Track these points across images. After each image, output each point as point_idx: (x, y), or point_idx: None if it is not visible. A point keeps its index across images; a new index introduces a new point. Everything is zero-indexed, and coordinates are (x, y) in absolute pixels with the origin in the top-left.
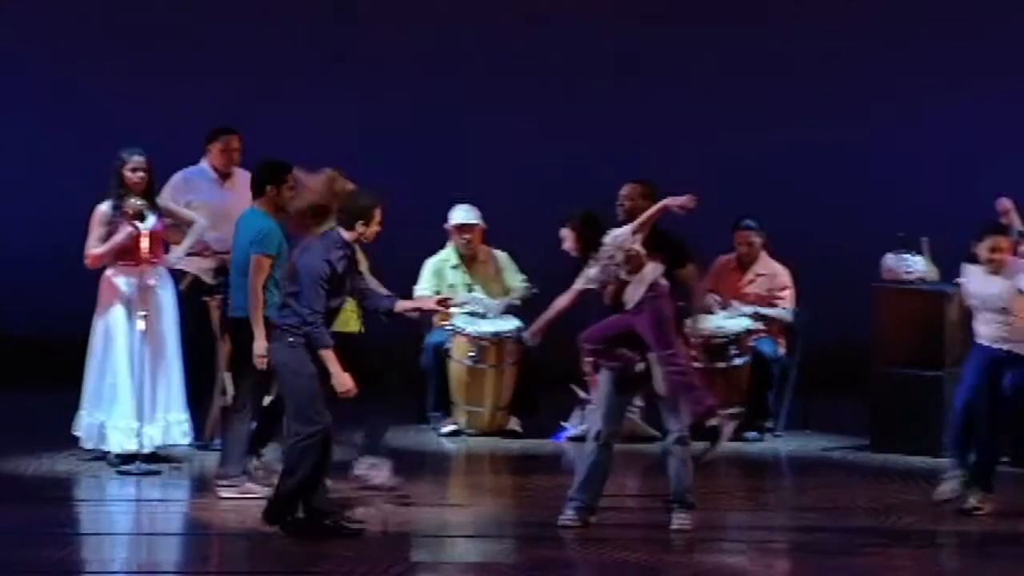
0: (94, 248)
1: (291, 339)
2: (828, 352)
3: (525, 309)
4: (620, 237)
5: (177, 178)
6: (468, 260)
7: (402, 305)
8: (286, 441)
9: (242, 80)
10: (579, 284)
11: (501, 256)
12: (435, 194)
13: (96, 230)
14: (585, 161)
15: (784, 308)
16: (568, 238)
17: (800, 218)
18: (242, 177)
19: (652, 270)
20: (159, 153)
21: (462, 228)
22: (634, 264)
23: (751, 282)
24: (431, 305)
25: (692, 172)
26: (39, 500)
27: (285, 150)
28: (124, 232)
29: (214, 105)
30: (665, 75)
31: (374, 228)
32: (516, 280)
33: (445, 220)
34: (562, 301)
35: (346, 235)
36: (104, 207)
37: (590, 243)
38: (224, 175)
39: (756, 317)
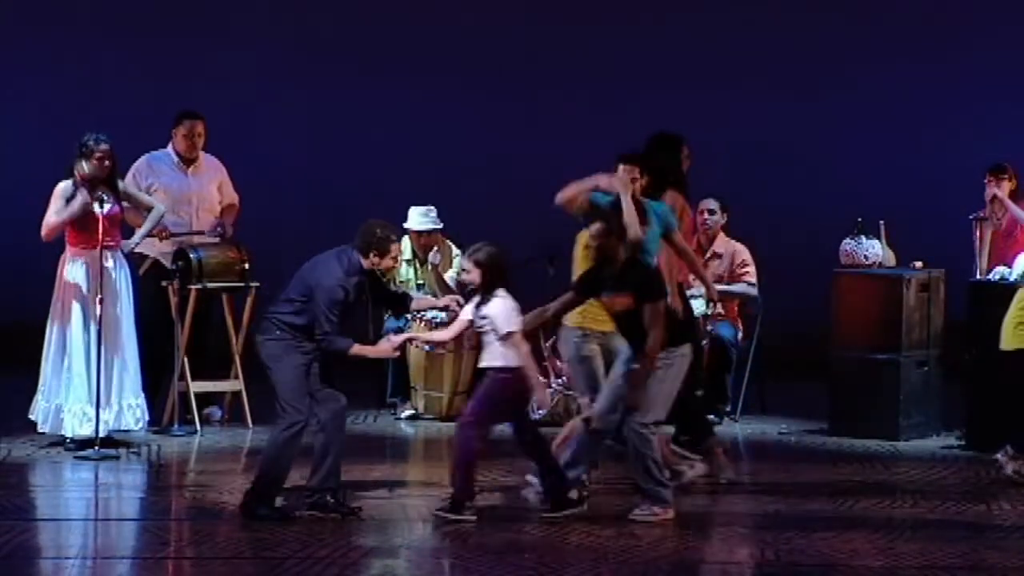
0: (51, 220)
1: (279, 333)
2: (787, 336)
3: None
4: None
5: (141, 161)
6: (422, 259)
7: (358, 350)
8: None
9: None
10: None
11: (455, 251)
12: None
13: (55, 203)
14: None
15: (749, 283)
16: (472, 272)
17: (761, 202)
18: (207, 162)
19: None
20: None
21: (419, 234)
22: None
23: (708, 262)
24: (389, 353)
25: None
26: None
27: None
28: (79, 200)
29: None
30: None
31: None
32: (451, 276)
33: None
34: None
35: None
36: (64, 184)
37: (492, 285)
38: (188, 160)
39: (721, 295)
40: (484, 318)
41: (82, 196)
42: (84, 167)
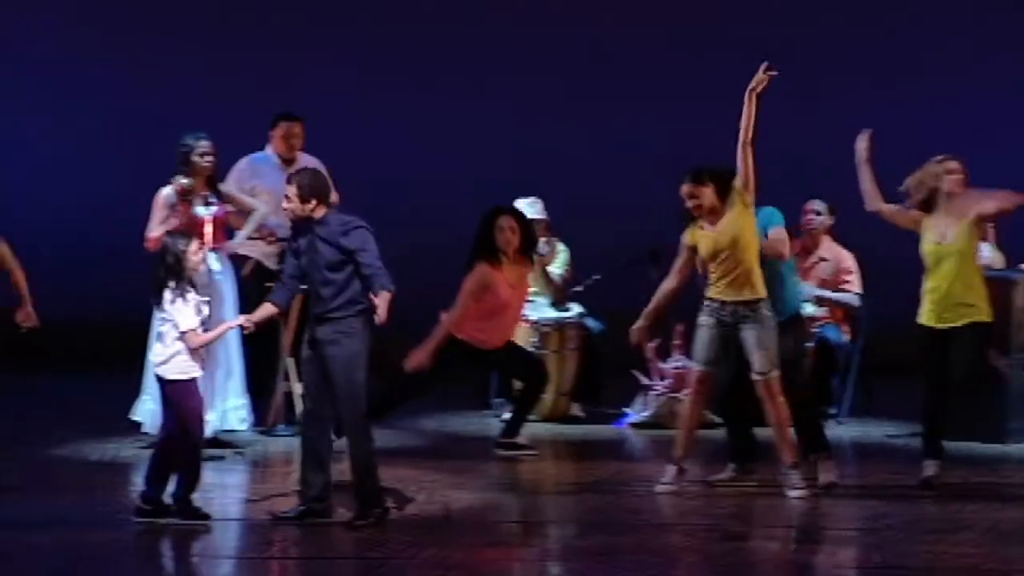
0: (155, 231)
1: (353, 323)
2: (893, 338)
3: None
4: None
5: (243, 163)
6: None
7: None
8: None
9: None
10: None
11: (560, 247)
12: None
13: (158, 213)
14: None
15: (850, 293)
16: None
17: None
18: (306, 163)
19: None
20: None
21: None
22: None
23: (814, 266)
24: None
25: (761, 157)
26: (103, 485)
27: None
28: (177, 216)
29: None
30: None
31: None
32: (554, 271)
33: None
34: None
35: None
36: (167, 191)
37: None
38: (287, 161)
39: (820, 301)
40: None
41: (179, 215)
42: (182, 180)
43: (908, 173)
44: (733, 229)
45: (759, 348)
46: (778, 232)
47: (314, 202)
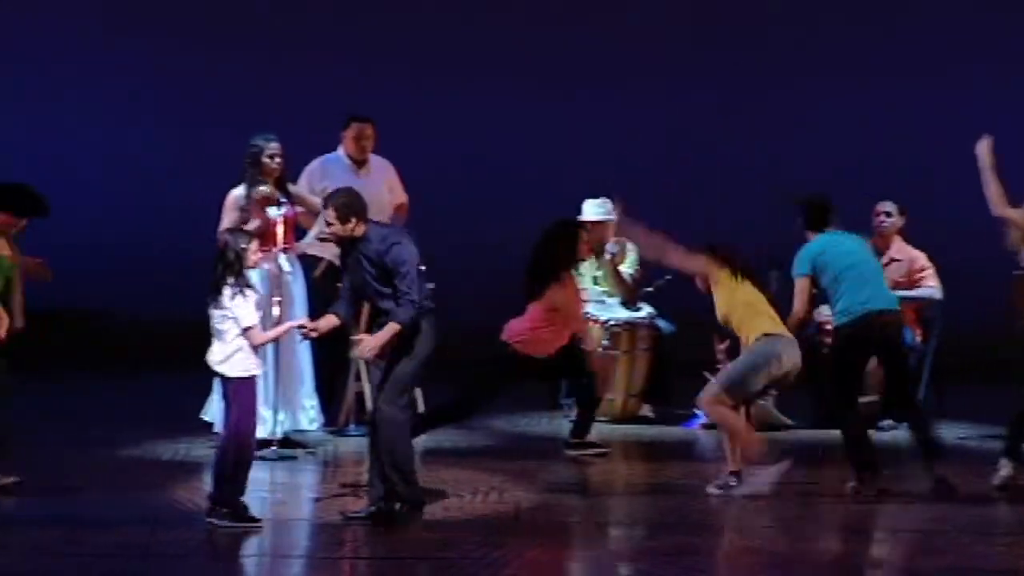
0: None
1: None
2: (966, 340)
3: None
4: None
5: (314, 164)
6: (597, 252)
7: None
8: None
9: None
10: None
11: (630, 247)
12: None
13: (229, 215)
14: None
15: (931, 287)
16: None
17: (942, 204)
18: (377, 164)
19: None
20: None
21: (592, 225)
22: None
23: (886, 267)
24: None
25: (836, 161)
26: (175, 485)
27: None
28: (254, 224)
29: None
30: None
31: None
32: (625, 271)
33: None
34: None
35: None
36: (237, 192)
37: None
38: (359, 162)
39: (903, 301)
40: None
41: (257, 222)
42: (263, 189)
43: None
44: None
45: None
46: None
47: (354, 220)
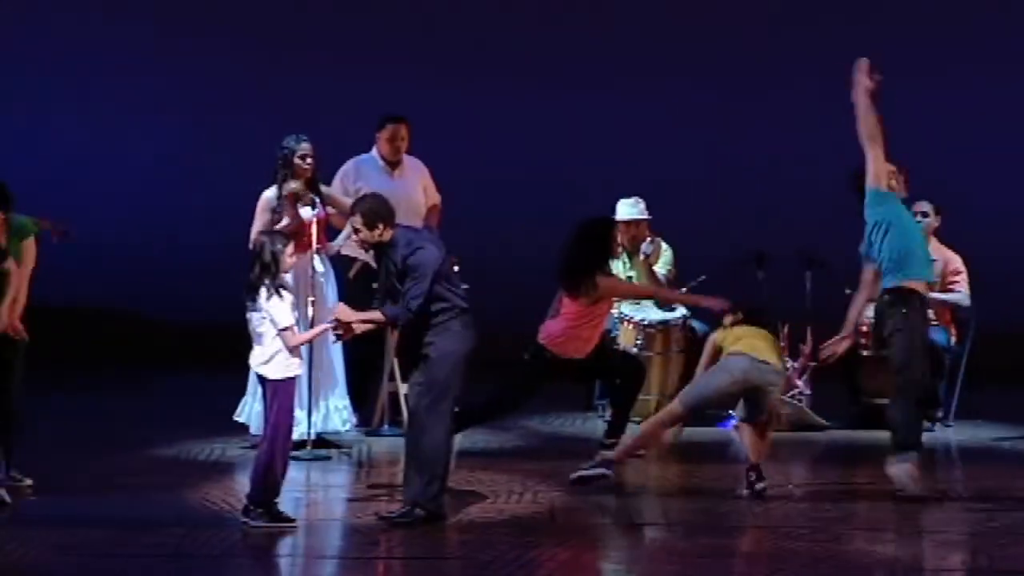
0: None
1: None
2: (1001, 341)
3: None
4: None
5: (348, 165)
6: (631, 251)
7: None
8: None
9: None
10: None
11: (664, 247)
12: None
13: (261, 216)
14: None
15: (961, 292)
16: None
17: (977, 204)
18: (410, 164)
19: None
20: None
21: (626, 224)
22: None
23: None
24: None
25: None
26: (210, 485)
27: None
28: (286, 221)
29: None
30: None
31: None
32: (659, 271)
33: None
34: None
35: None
36: (269, 193)
37: None
38: (392, 163)
39: (934, 303)
40: None
41: (289, 219)
42: (292, 185)
43: None
44: None
45: None
46: None
47: (381, 226)
